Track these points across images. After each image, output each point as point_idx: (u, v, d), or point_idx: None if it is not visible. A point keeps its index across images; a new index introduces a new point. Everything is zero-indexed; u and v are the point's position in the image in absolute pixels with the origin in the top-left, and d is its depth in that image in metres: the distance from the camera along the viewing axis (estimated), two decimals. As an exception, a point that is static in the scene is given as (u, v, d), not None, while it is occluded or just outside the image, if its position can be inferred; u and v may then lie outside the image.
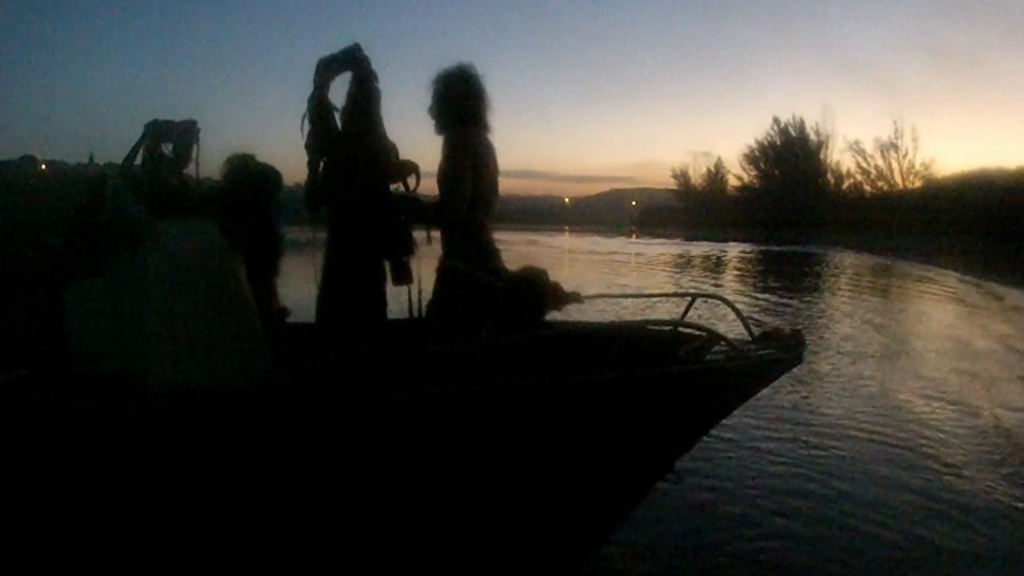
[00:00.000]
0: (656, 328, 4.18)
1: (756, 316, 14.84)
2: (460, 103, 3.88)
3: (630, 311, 12.00)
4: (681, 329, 3.99)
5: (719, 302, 4.74)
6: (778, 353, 3.82)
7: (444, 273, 3.93)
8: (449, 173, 3.81)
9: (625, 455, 3.47)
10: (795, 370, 8.06)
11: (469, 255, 3.84)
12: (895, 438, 6.85)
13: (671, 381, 3.42)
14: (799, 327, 4.44)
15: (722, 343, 3.67)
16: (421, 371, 3.13)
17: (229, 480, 2.91)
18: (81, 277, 3.28)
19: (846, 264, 34.80)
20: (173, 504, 2.90)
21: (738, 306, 4.46)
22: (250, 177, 4.77)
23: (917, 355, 11.55)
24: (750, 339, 4.00)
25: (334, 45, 3.89)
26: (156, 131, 5.03)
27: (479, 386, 3.06)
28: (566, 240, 52.62)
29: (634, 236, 67.70)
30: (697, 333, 3.82)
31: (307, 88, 3.97)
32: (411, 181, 4.07)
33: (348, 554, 3.12)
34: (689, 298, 4.68)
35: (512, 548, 3.36)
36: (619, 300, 13.54)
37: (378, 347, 3.43)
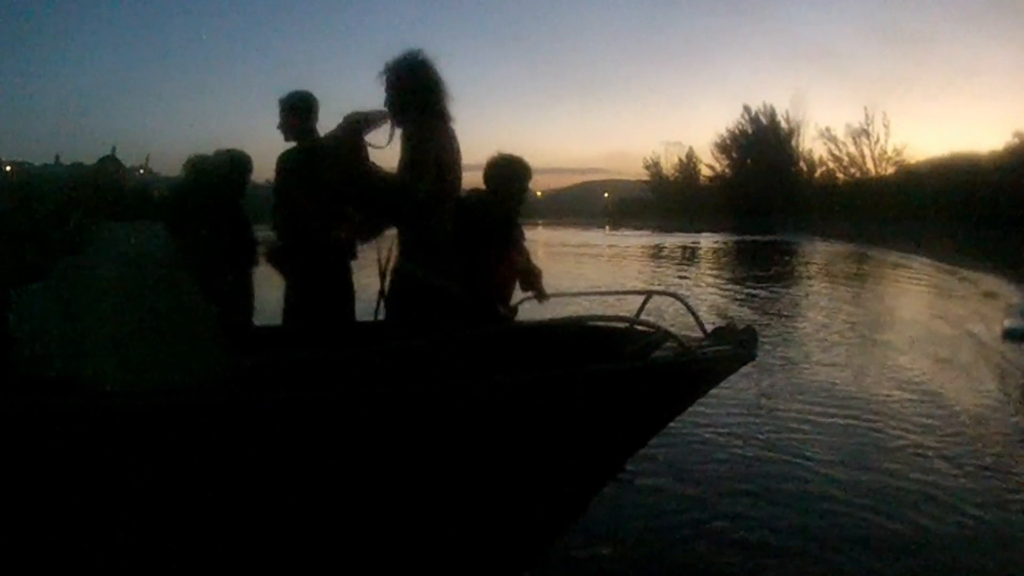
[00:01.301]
0: (607, 325, 4.13)
1: (727, 307, 14.92)
2: (415, 93, 3.76)
3: (598, 307, 11.98)
4: (638, 327, 3.94)
5: (698, 295, 4.73)
6: (729, 350, 3.80)
7: (399, 276, 3.87)
8: (409, 166, 3.71)
9: (569, 456, 3.41)
10: (772, 359, 8.28)
11: (424, 256, 3.77)
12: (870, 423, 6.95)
13: (614, 379, 3.37)
14: (752, 323, 4.48)
15: (672, 340, 3.63)
16: (360, 371, 3.09)
17: (183, 479, 2.86)
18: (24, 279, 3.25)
19: (819, 253, 35.03)
20: (130, 504, 2.85)
21: (711, 296, 4.49)
22: (211, 174, 4.75)
23: (890, 342, 11.67)
24: (703, 335, 3.98)
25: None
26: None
27: (418, 386, 3.01)
28: (540, 234, 52.52)
29: (608, 229, 67.78)
30: (644, 330, 3.79)
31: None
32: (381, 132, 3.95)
33: (298, 552, 3.09)
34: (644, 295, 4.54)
35: (455, 554, 3.32)
36: (587, 297, 13.50)
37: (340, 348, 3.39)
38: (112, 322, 2.94)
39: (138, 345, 2.92)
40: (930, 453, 6.02)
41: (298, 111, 4.49)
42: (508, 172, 4.13)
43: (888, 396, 8.00)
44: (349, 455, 2.97)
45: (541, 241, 44.96)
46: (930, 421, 6.95)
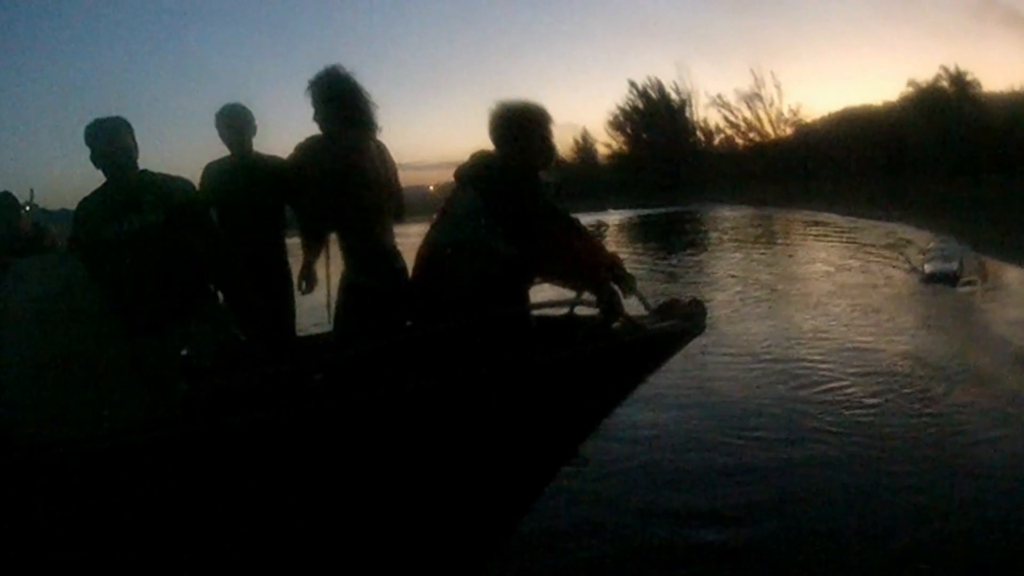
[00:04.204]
0: (547, 313, 4.07)
1: (644, 279, 15.01)
2: (339, 106, 3.86)
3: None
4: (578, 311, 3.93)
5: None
6: (679, 324, 3.85)
7: (345, 287, 3.90)
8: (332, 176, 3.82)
9: (527, 443, 3.47)
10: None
11: (364, 263, 3.85)
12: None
13: (574, 364, 3.42)
14: (695, 295, 4.81)
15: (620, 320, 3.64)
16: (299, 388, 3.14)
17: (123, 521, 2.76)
18: None
19: (727, 219, 35.69)
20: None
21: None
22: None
23: (813, 295, 11.91)
24: (648, 313, 3.96)
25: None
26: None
27: (373, 389, 3.02)
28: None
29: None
30: (589, 313, 3.78)
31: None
32: None
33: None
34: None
35: (415, 551, 3.35)
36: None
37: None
38: (27, 363, 2.93)
39: (54, 385, 2.90)
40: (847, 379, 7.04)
41: (236, 123, 4.41)
42: (519, 121, 3.55)
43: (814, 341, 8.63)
44: (300, 471, 2.97)
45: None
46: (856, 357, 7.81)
